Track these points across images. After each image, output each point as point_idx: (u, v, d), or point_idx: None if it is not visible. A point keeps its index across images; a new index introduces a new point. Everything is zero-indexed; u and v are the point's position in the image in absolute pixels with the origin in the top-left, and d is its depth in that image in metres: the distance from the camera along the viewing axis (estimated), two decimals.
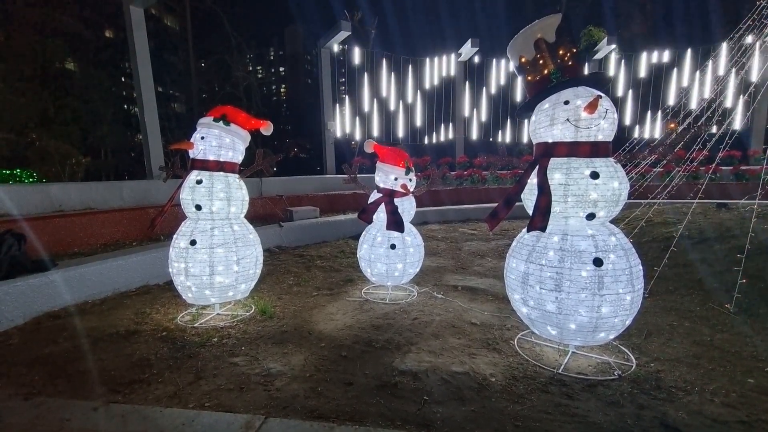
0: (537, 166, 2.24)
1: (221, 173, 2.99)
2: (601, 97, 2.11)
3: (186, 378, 2.26)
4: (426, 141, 12.71)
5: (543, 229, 2.11)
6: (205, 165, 2.96)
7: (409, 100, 12.30)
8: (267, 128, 3.15)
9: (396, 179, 3.26)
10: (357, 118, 11.80)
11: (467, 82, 12.52)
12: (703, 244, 3.85)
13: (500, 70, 12.69)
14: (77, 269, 3.66)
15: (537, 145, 2.33)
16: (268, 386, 2.15)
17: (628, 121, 12.47)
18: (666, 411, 1.85)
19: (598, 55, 13.02)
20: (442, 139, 12.69)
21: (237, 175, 3.13)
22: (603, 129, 2.12)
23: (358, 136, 11.84)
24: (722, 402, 1.90)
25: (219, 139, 2.96)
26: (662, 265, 3.50)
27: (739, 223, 4.29)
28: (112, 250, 4.69)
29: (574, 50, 2.24)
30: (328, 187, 9.41)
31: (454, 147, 12.64)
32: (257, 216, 7.18)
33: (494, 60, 12.61)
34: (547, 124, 2.21)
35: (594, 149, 2.14)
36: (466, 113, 12.66)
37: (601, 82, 2.28)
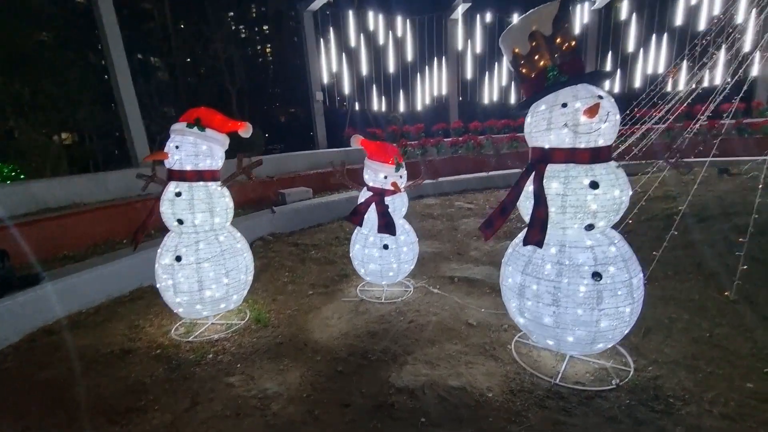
0: (533, 172, 2.10)
1: (201, 183, 2.83)
2: (602, 98, 1.93)
3: (182, 403, 2.25)
4: (419, 107, 12.25)
5: (539, 244, 2.00)
6: (182, 175, 2.80)
7: (400, 62, 11.71)
8: (245, 130, 2.94)
9: (386, 177, 3.11)
10: (347, 84, 11.29)
11: (460, 41, 11.86)
12: (703, 223, 3.76)
13: (494, 27, 11.99)
14: (68, 279, 3.59)
15: (533, 149, 2.17)
16: (264, 410, 2.14)
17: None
18: (664, 426, 1.84)
19: (597, 5, 12.21)
20: (435, 102, 12.22)
21: (218, 183, 2.97)
22: (604, 133, 1.96)
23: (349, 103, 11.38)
24: (720, 413, 1.89)
25: (195, 147, 2.77)
26: (662, 249, 3.42)
27: (741, 195, 4.19)
28: (102, 250, 4.60)
29: (573, 43, 2.02)
30: (320, 164, 9.17)
31: (447, 111, 12.21)
32: (249, 200, 7.04)
33: (488, 15, 11.86)
34: (544, 128, 2.04)
35: (594, 155, 1.99)
36: (461, 73, 12.11)
37: (602, 79, 2.08)
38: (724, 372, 2.18)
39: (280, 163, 8.94)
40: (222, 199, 2.93)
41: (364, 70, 11.28)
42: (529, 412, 1.99)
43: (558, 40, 2.02)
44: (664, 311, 2.85)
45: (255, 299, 3.58)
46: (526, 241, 2.06)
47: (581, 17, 12.01)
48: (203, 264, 2.78)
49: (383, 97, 11.84)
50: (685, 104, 5.93)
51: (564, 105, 1.96)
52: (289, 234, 5.91)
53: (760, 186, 3.55)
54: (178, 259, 2.77)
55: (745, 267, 2.94)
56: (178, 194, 2.76)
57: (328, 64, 10.87)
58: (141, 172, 3.13)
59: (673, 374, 2.19)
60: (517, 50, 2.15)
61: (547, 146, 2.06)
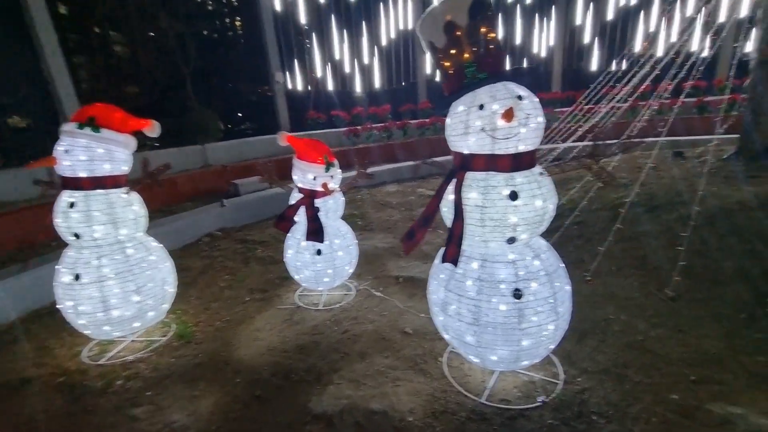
0: (454, 180, 1.91)
1: (100, 191, 2.52)
2: (521, 98, 1.73)
3: None
4: (385, 86, 11.83)
5: (455, 263, 1.83)
6: (77, 184, 2.47)
7: (365, 42, 11.19)
8: (151, 129, 2.62)
9: (315, 178, 2.86)
10: (307, 65, 10.75)
11: None
12: (651, 213, 3.71)
13: None
14: None
15: (454, 154, 1.97)
16: None
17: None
18: None
19: None
20: (402, 83, 11.83)
21: (125, 189, 2.65)
22: (524, 138, 1.77)
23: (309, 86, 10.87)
24: (642, 431, 1.82)
25: (88, 151, 2.44)
26: (607, 243, 3.34)
27: (690, 182, 4.15)
28: (26, 256, 4.21)
29: (493, 35, 1.79)
30: (280, 149, 8.74)
31: (416, 91, 11.85)
32: (199, 192, 6.66)
33: None
34: (461, 132, 1.84)
35: (516, 162, 1.80)
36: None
37: (524, 77, 1.87)
38: (652, 381, 2.11)
39: (239, 149, 8.49)
40: (128, 207, 2.63)
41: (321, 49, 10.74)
42: None
43: (477, 32, 1.79)
44: (603, 312, 2.78)
45: (185, 309, 3.33)
46: (443, 259, 1.89)
47: (547, 39, 11.73)
48: (107, 282, 2.50)
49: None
50: (645, 84, 5.87)
51: (481, 107, 1.75)
52: (240, 228, 5.61)
53: (704, 173, 3.50)
54: (77, 277, 2.48)
55: (683, 263, 2.88)
56: (72, 205, 2.45)
57: (288, 43, 10.29)
58: (38, 178, 2.78)
59: (601, 386, 2.11)
60: (433, 42, 1.91)
61: (466, 152, 1.86)
